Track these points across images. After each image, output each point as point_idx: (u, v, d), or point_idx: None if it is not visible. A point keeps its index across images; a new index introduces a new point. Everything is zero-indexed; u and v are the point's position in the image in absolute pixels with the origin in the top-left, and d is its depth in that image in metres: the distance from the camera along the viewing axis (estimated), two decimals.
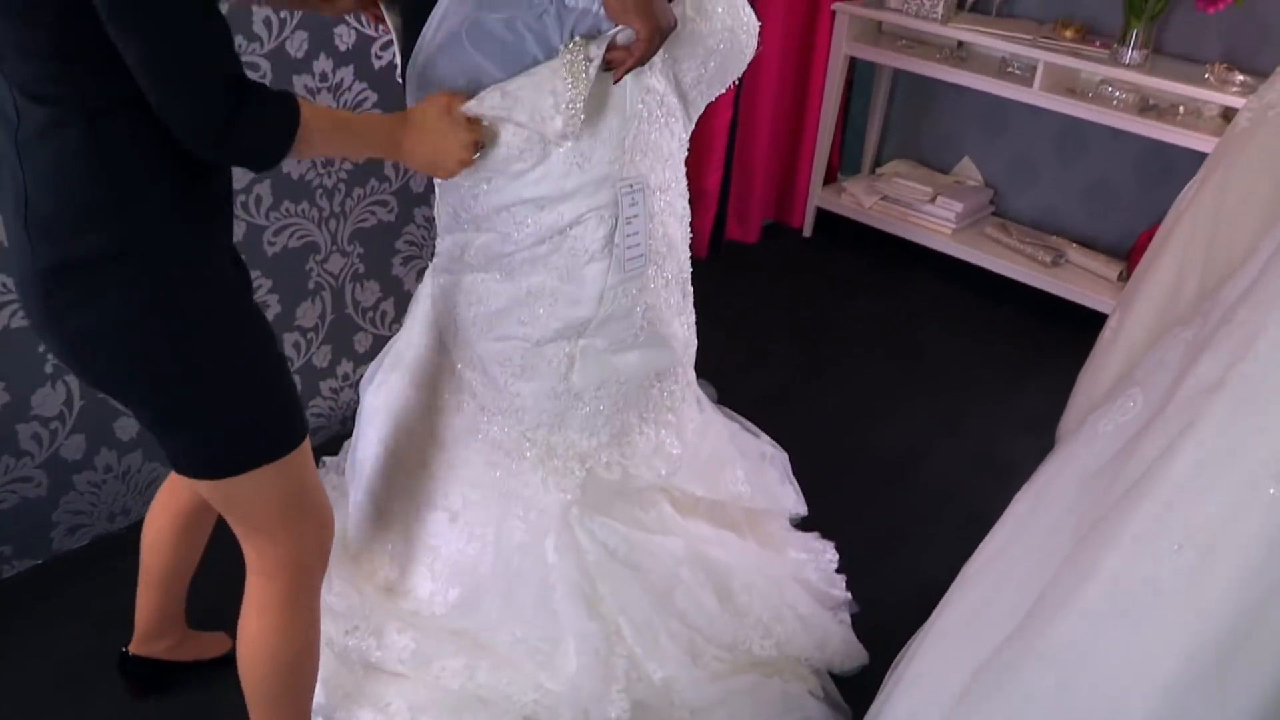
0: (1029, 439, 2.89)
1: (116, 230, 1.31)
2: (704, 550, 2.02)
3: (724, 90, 1.87)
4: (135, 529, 2.41)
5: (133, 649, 2.00)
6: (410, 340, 2.05)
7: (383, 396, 2.09)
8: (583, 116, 1.59)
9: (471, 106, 1.60)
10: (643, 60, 1.57)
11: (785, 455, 2.50)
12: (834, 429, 2.92)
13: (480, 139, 1.63)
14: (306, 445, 1.55)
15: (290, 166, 2.36)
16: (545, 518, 1.91)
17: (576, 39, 1.56)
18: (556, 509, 1.90)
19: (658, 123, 1.73)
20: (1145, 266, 1.91)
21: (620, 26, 1.56)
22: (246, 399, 1.46)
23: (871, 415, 3.01)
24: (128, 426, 2.32)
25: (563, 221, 1.71)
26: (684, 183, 1.88)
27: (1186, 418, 1.22)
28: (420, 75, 1.65)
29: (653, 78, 1.69)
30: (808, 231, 4.04)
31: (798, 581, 2.19)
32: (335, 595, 2.05)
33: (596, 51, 1.56)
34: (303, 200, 2.42)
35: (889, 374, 3.23)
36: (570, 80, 1.56)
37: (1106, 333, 1.99)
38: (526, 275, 1.77)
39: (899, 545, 2.51)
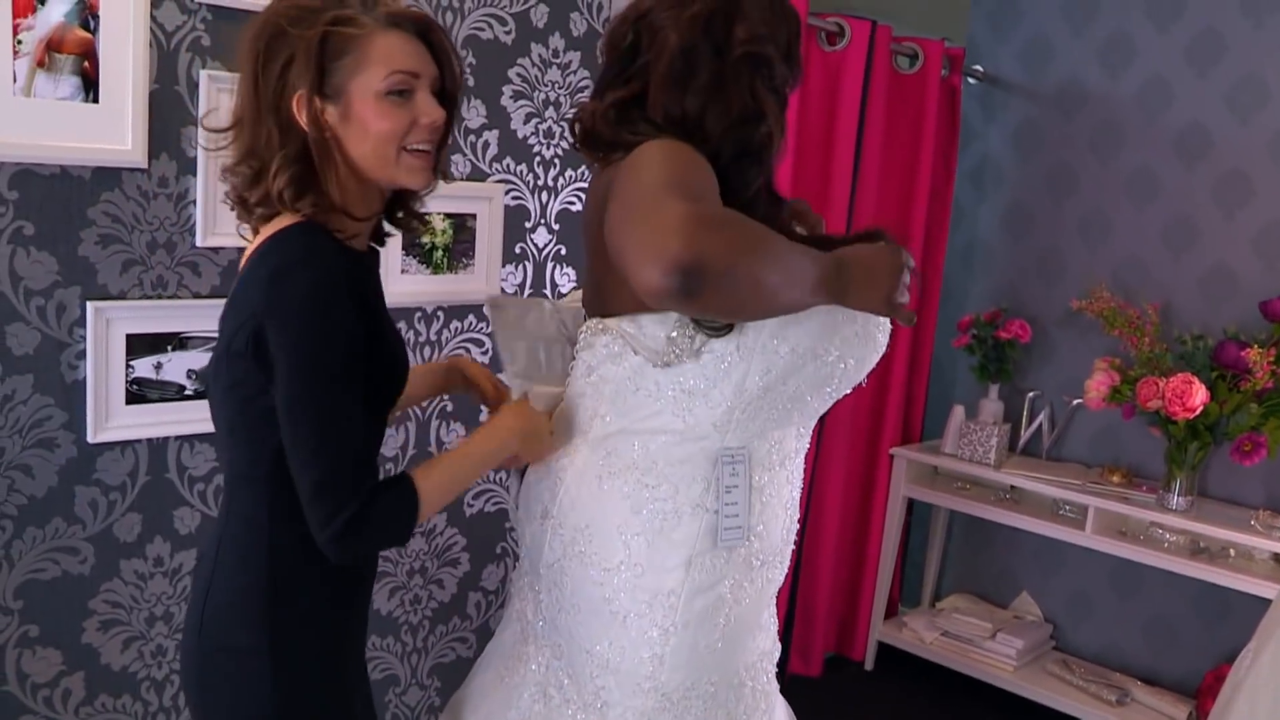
0: None
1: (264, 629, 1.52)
2: None
3: (850, 390, 1.77)
4: None
5: None
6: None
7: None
8: (689, 353, 1.59)
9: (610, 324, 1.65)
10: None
11: None
12: None
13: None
14: None
15: (380, 604, 2.52)
16: None
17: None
18: None
19: (777, 405, 1.66)
20: None
21: None
22: None
23: None
24: None
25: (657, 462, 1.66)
26: (797, 475, 1.78)
27: None
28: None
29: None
30: (869, 665, 4.06)
31: None
32: None
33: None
34: (388, 635, 2.55)
35: None
36: (691, 327, 1.58)
37: None
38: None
39: None
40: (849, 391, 1.74)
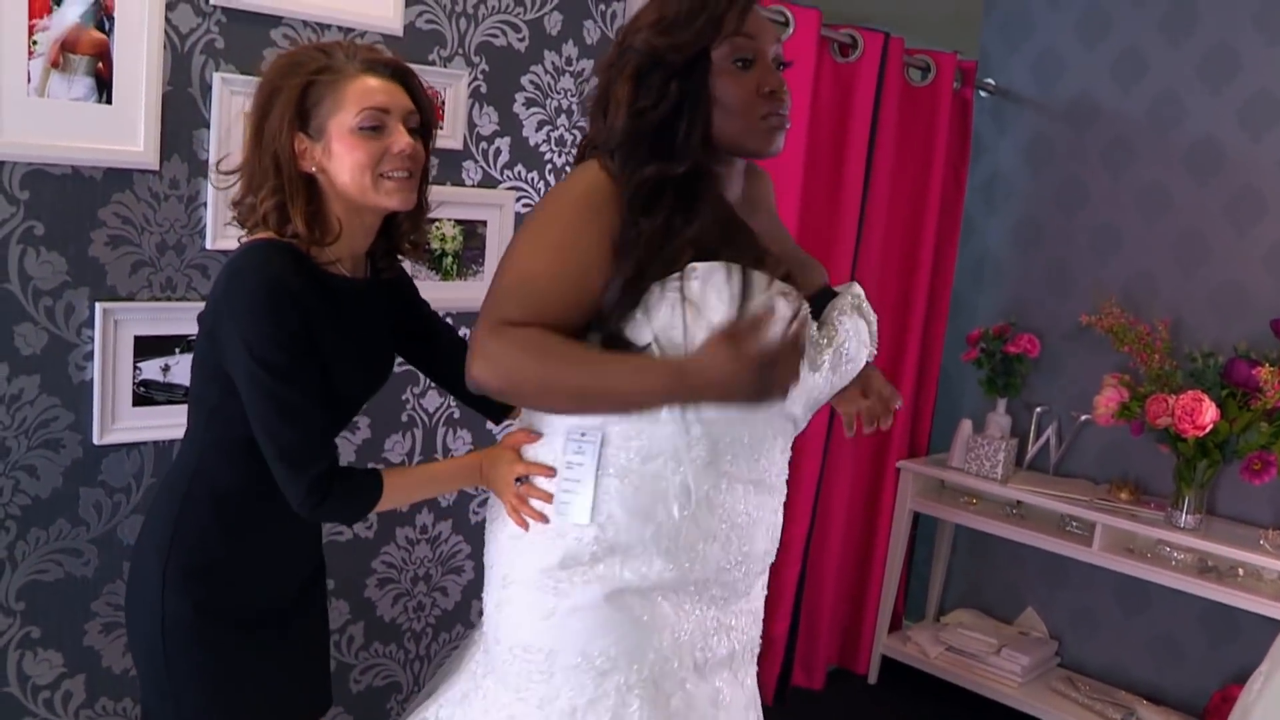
0: None
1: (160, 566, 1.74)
2: None
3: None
4: None
5: None
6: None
7: None
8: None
9: None
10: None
11: None
12: None
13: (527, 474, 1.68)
14: None
15: (383, 611, 2.51)
16: None
17: None
18: None
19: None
20: None
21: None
22: None
23: None
24: None
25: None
26: (773, 499, 1.73)
27: None
28: None
29: None
30: (873, 678, 4.04)
31: None
32: None
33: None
34: (390, 642, 2.54)
35: None
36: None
37: None
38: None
39: None
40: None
